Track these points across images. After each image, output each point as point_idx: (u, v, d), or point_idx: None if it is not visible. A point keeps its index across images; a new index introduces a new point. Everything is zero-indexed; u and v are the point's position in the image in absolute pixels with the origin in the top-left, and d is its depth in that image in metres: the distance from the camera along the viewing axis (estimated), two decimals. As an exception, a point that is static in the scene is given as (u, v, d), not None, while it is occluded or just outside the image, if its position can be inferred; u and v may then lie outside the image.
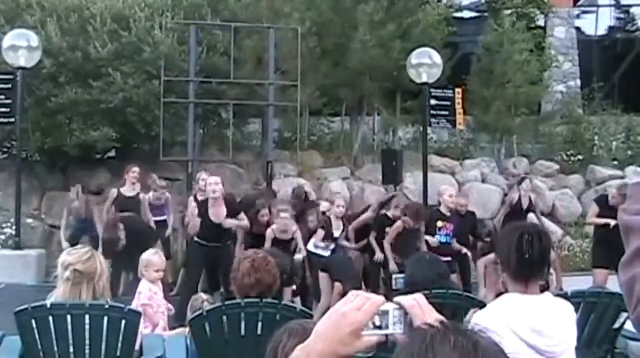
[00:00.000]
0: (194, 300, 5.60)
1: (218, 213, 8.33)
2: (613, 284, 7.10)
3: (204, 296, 5.76)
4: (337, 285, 8.14)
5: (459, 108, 13.51)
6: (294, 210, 9.29)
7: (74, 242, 9.41)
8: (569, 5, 19.60)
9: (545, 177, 15.79)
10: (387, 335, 1.33)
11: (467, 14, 20.25)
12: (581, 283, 8.57)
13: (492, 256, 8.01)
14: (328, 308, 1.53)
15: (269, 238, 8.40)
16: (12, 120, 11.77)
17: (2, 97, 11.76)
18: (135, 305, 5.65)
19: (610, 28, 21.73)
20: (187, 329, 4.81)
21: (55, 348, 4.34)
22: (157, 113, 12.31)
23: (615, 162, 16.45)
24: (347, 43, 14.91)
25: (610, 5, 21.66)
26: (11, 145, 13.67)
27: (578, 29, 20.10)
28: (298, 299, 8.40)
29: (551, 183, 15.54)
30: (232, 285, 4.45)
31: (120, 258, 8.62)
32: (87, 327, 4.33)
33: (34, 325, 4.33)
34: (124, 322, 4.43)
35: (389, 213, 9.52)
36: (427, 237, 9.23)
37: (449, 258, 8.72)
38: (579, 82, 18.91)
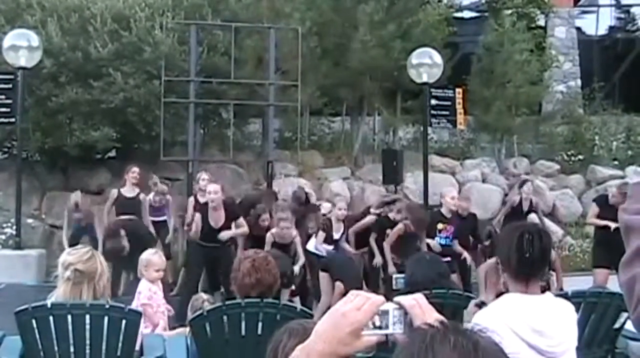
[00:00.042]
0: (194, 299, 5.60)
1: (217, 218, 8.38)
2: (613, 284, 7.10)
3: (204, 296, 5.76)
4: (338, 284, 8.13)
5: (459, 108, 13.51)
6: (295, 215, 9.29)
7: (74, 242, 9.39)
8: (569, 5, 19.60)
9: (545, 176, 15.79)
10: (386, 335, 1.33)
11: (467, 14, 20.25)
12: (581, 283, 8.57)
13: (492, 261, 8.00)
14: (328, 308, 1.53)
15: (268, 242, 8.39)
16: (13, 120, 11.77)
17: (3, 96, 11.76)
18: (134, 305, 5.65)
19: (611, 28, 21.72)
20: (188, 329, 4.81)
21: (56, 348, 4.34)
22: (158, 113, 12.31)
23: (616, 162, 16.45)
24: (348, 43, 14.91)
25: (611, 5, 21.66)
26: (11, 145, 13.68)
27: (578, 28, 20.10)
28: (297, 299, 8.41)
29: (551, 183, 15.54)
30: (232, 285, 4.45)
31: (120, 259, 8.64)
32: (88, 326, 4.32)
33: (34, 325, 4.32)
34: (124, 321, 4.43)
35: (390, 215, 9.50)
36: (428, 240, 9.21)
37: (449, 259, 8.71)
38: (579, 81, 18.91)
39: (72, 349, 4.34)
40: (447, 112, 13.46)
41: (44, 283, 10.42)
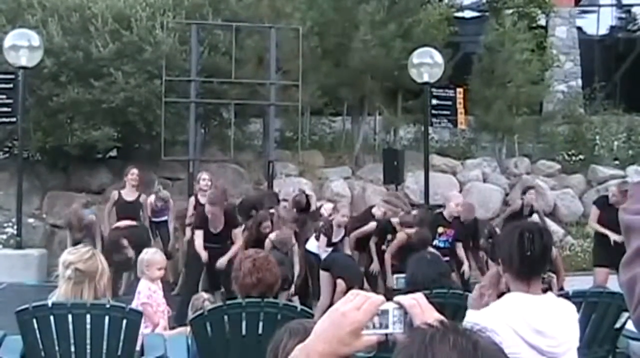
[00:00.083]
0: (194, 299, 5.60)
1: (217, 224, 8.40)
2: (613, 283, 7.11)
3: (205, 295, 5.75)
4: (339, 282, 8.13)
5: (460, 107, 13.50)
6: (296, 225, 9.28)
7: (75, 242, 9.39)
8: (570, 5, 19.58)
9: (546, 176, 15.78)
10: (386, 335, 1.33)
11: (468, 14, 20.24)
12: (582, 282, 8.58)
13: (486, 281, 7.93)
14: (328, 308, 1.52)
15: (267, 248, 8.38)
16: (14, 119, 11.78)
17: (4, 96, 11.76)
18: (134, 304, 5.65)
19: (612, 27, 21.71)
20: (188, 328, 4.81)
21: (57, 348, 4.34)
22: (158, 112, 12.31)
23: (617, 162, 16.44)
24: (348, 42, 14.91)
25: (612, 5, 21.64)
26: (12, 144, 13.69)
27: (579, 28, 20.09)
28: (297, 298, 8.41)
29: (552, 183, 15.53)
30: (233, 285, 4.45)
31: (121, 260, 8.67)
32: (88, 326, 4.32)
33: (35, 325, 4.33)
34: (125, 321, 4.43)
35: (393, 220, 9.48)
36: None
37: (447, 258, 8.69)
38: (580, 81, 18.90)
39: (72, 349, 4.34)
40: (447, 112, 13.45)
41: (44, 283, 10.42)
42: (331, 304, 1.49)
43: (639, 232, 1.51)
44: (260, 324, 4.33)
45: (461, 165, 15.77)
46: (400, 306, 1.34)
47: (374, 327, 1.32)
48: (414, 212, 9.72)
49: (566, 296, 4.28)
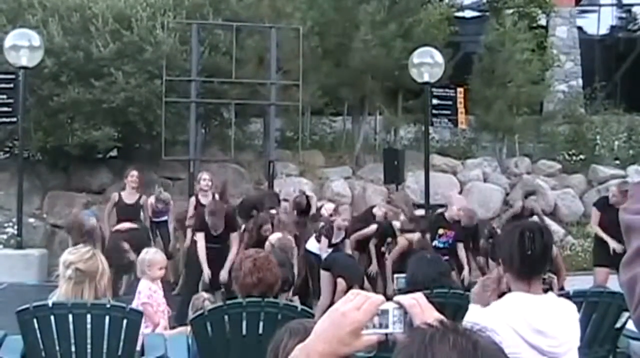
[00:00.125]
0: (195, 299, 5.60)
1: (217, 226, 8.40)
2: (614, 283, 7.10)
3: (205, 295, 5.75)
4: (340, 281, 8.12)
5: (460, 107, 13.50)
6: (296, 229, 9.28)
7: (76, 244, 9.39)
8: (570, 5, 19.57)
9: (547, 176, 15.77)
10: (386, 335, 1.33)
11: (468, 13, 20.24)
12: (583, 282, 8.57)
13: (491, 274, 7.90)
14: (328, 307, 1.52)
15: (267, 251, 8.37)
16: (14, 119, 11.78)
17: (4, 96, 11.77)
18: (135, 304, 5.65)
19: (612, 27, 21.70)
20: (189, 328, 4.80)
21: (57, 348, 4.34)
22: (159, 112, 12.32)
23: (617, 162, 16.43)
24: (349, 42, 14.91)
25: (612, 5, 21.64)
26: (13, 144, 13.69)
27: (580, 28, 20.08)
28: (297, 298, 8.40)
29: (553, 183, 15.52)
30: (233, 284, 4.45)
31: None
32: (89, 326, 4.32)
33: (36, 325, 4.32)
34: (125, 321, 4.43)
35: (394, 224, 9.47)
36: None
37: (447, 257, 8.69)
38: (580, 81, 18.90)
39: (73, 348, 4.34)
40: (448, 112, 13.45)
41: (45, 283, 10.42)
42: (332, 304, 1.49)
43: (639, 231, 1.51)
44: (261, 324, 4.33)
45: (462, 165, 15.77)
46: (400, 306, 1.34)
47: (374, 326, 1.32)
48: (417, 212, 9.70)
49: (567, 296, 4.28)
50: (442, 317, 1.26)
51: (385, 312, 1.33)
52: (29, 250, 11.68)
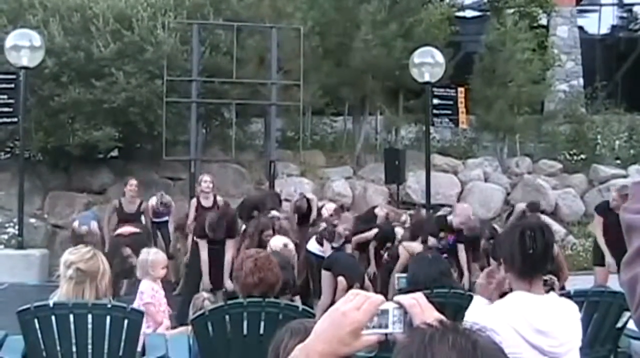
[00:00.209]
0: (195, 298, 5.59)
1: (217, 238, 8.38)
2: (614, 282, 7.10)
3: (205, 295, 5.74)
4: (341, 279, 8.11)
5: (461, 107, 13.50)
6: (298, 234, 9.27)
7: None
8: (571, 4, 19.57)
9: (547, 176, 15.77)
10: (386, 334, 1.33)
11: (469, 13, 20.24)
12: (584, 282, 8.56)
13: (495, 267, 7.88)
14: (329, 307, 1.52)
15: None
16: (15, 119, 11.78)
17: (5, 96, 11.77)
18: (137, 304, 5.65)
19: (613, 27, 21.68)
20: (190, 328, 4.80)
21: (58, 348, 4.34)
22: (160, 112, 12.32)
23: (618, 161, 16.43)
24: (350, 42, 14.92)
25: (613, 4, 21.62)
26: (14, 144, 13.70)
27: (580, 27, 20.08)
28: (298, 298, 8.39)
29: (554, 182, 15.52)
30: (234, 284, 4.44)
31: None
32: (90, 326, 4.32)
33: (37, 325, 4.32)
34: (126, 321, 4.43)
35: (397, 230, 9.46)
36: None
37: (446, 256, 8.67)
38: (581, 80, 18.90)
39: (74, 349, 4.34)
40: (449, 111, 13.45)
41: (46, 283, 10.42)
42: (333, 303, 1.49)
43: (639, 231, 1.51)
44: (262, 324, 4.33)
45: (462, 165, 15.77)
46: (400, 306, 1.34)
47: (373, 327, 1.32)
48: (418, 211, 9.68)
49: (568, 295, 4.28)
50: (442, 316, 1.26)
51: (385, 312, 1.33)
52: (30, 250, 11.69)
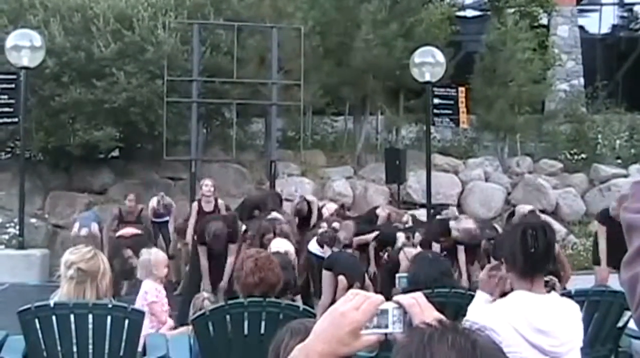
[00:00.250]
0: (195, 298, 5.59)
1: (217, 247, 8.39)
2: (614, 282, 7.09)
3: (205, 294, 5.74)
4: (341, 278, 8.10)
5: (462, 107, 13.50)
6: (298, 237, 9.26)
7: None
8: (572, 4, 19.56)
9: (548, 175, 15.77)
10: (386, 334, 1.33)
11: (470, 13, 20.23)
12: (585, 281, 8.54)
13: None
14: (329, 306, 1.52)
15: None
16: (16, 119, 11.79)
17: (5, 96, 11.78)
18: (140, 304, 5.64)
19: (614, 26, 21.67)
20: (190, 328, 4.80)
21: (59, 348, 4.34)
22: (160, 112, 12.32)
23: (619, 161, 16.42)
24: (350, 42, 14.91)
25: (614, 4, 21.61)
26: (14, 144, 13.71)
27: (581, 27, 20.07)
28: (299, 298, 8.39)
29: (554, 182, 15.52)
30: (235, 284, 4.44)
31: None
32: (91, 326, 4.32)
33: (37, 325, 4.32)
34: (127, 321, 4.43)
35: (398, 235, 9.45)
36: None
37: (445, 254, 8.67)
38: (582, 80, 18.89)
39: (75, 349, 4.34)
40: (449, 111, 13.45)
41: (47, 283, 10.43)
42: (333, 303, 1.49)
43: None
44: (263, 324, 4.33)
45: (463, 165, 15.77)
46: (400, 305, 1.34)
47: (373, 326, 1.32)
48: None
49: (568, 295, 4.27)
50: (441, 316, 1.26)
51: (384, 312, 1.32)
52: (30, 250, 11.70)
